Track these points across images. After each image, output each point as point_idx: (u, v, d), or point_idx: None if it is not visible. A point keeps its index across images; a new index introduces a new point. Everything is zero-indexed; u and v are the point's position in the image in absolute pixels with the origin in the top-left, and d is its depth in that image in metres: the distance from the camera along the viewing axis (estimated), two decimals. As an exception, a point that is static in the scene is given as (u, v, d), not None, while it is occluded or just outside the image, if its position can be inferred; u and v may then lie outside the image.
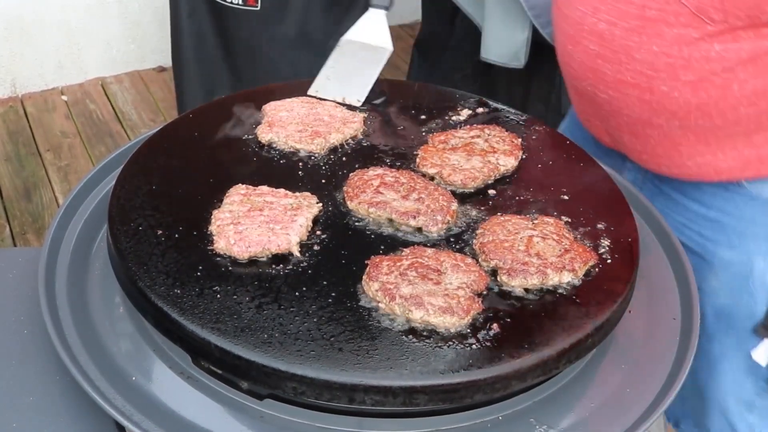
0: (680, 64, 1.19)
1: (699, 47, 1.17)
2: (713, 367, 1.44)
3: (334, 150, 1.27)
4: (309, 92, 1.40)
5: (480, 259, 1.06)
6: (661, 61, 1.20)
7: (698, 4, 1.13)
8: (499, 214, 1.15)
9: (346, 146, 1.28)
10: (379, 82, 1.42)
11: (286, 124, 1.29)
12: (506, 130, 1.31)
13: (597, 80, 1.29)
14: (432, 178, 1.21)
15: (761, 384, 1.45)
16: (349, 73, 1.42)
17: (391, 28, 1.45)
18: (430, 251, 1.05)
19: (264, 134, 1.27)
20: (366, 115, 1.34)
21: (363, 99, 1.39)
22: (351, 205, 1.14)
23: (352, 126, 1.30)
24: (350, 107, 1.37)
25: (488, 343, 0.94)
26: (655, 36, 1.19)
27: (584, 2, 1.26)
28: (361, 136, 1.30)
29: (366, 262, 1.03)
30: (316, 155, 1.25)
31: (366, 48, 1.44)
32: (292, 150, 1.26)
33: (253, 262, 1.03)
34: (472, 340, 0.94)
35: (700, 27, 1.15)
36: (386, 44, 1.45)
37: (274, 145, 1.26)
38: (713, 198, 1.36)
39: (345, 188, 1.17)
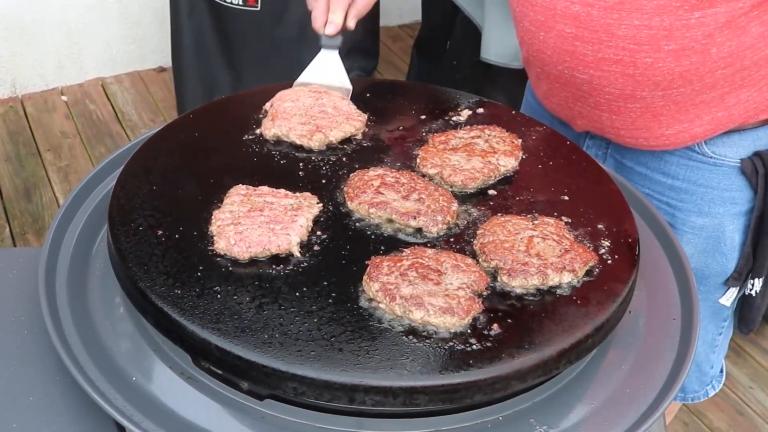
0: (662, 35, 1.21)
1: (679, 16, 1.19)
2: None
3: (334, 150, 1.27)
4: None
5: (480, 260, 1.06)
6: (643, 33, 1.21)
7: None
8: (499, 214, 1.15)
9: (346, 147, 1.28)
10: (378, 83, 1.42)
11: (290, 116, 1.28)
12: (506, 131, 1.31)
13: (576, 62, 1.30)
14: (432, 179, 1.21)
15: (721, 323, 1.55)
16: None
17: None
18: (430, 252, 1.05)
19: (267, 129, 1.27)
20: (368, 115, 1.34)
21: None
22: (351, 205, 1.14)
23: (354, 124, 1.29)
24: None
25: (488, 344, 0.94)
26: (635, 10, 1.21)
27: None
28: (361, 137, 1.30)
29: (366, 262, 1.03)
30: (316, 155, 1.25)
31: (325, 90, 1.38)
32: (294, 145, 1.26)
33: (253, 262, 1.03)
34: (472, 341, 0.94)
35: None
36: (345, 83, 1.40)
37: (281, 139, 1.26)
38: (678, 168, 1.40)
39: (345, 188, 1.17)
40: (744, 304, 1.51)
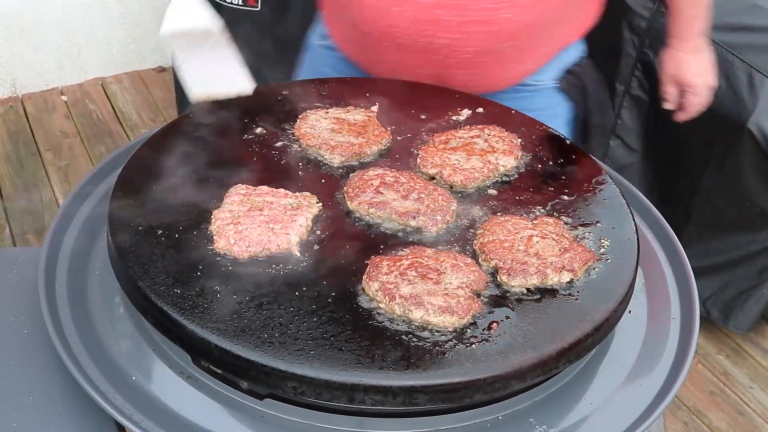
0: None
1: None
2: None
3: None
4: (193, 101, 1.29)
5: (480, 259, 1.06)
6: None
7: None
8: (498, 214, 1.15)
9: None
10: (378, 82, 1.42)
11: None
12: (506, 130, 1.31)
13: (436, 29, 1.38)
14: (432, 178, 1.21)
15: None
16: (210, 66, 1.30)
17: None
18: (429, 251, 1.05)
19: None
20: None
21: (251, 83, 1.32)
22: (351, 205, 1.14)
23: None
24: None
25: (488, 343, 0.94)
26: None
27: None
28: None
29: (366, 262, 1.03)
30: (320, 155, 1.25)
31: (195, 35, 1.28)
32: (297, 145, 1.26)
33: (253, 261, 1.03)
34: (471, 340, 0.94)
35: None
36: (210, 23, 1.29)
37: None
38: (513, 102, 1.54)
39: (345, 188, 1.17)
40: None
